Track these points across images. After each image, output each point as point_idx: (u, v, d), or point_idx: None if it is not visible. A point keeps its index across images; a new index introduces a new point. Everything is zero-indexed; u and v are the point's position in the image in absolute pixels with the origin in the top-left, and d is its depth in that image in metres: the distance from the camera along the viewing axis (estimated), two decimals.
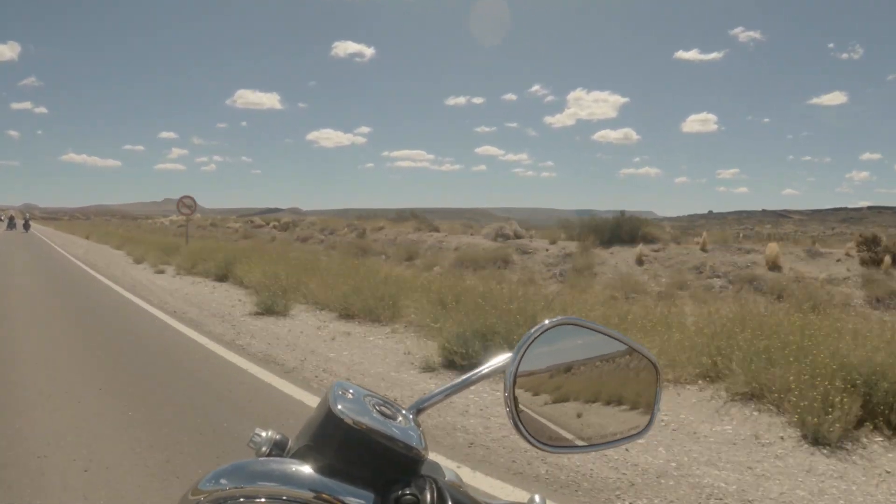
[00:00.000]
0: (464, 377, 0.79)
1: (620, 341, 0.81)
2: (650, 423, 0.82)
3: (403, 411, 0.76)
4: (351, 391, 0.73)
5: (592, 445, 0.80)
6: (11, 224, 45.66)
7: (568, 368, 0.79)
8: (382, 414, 0.71)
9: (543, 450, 0.75)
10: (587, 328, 0.79)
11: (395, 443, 0.69)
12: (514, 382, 0.73)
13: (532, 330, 0.75)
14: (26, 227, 43.46)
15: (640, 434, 0.82)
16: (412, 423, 0.73)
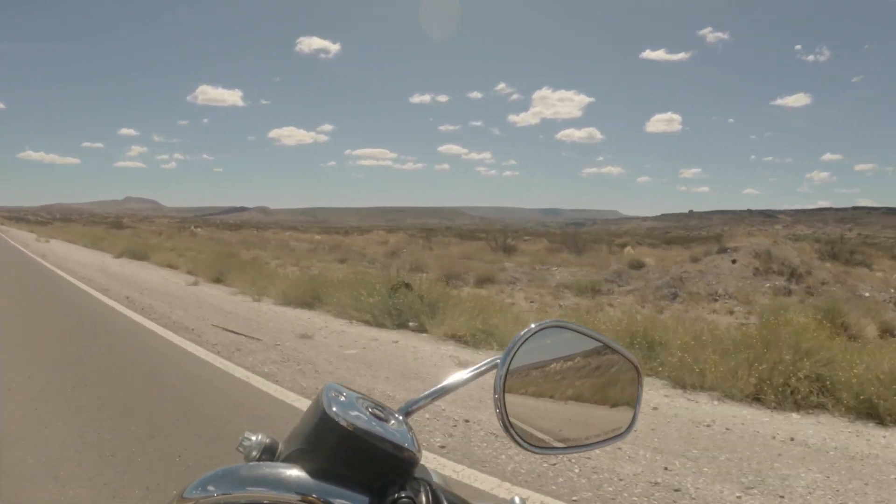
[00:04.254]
0: (451, 380, 0.79)
1: (604, 343, 0.82)
2: (632, 423, 0.83)
3: (395, 413, 0.74)
4: (343, 394, 0.71)
5: (577, 447, 0.81)
6: None
7: (553, 371, 0.80)
8: (375, 416, 0.70)
9: (531, 451, 0.75)
10: (572, 330, 0.80)
11: (391, 445, 0.67)
12: (504, 386, 0.72)
13: (521, 333, 0.75)
14: None
15: (622, 435, 0.83)
16: (404, 426, 0.72)
